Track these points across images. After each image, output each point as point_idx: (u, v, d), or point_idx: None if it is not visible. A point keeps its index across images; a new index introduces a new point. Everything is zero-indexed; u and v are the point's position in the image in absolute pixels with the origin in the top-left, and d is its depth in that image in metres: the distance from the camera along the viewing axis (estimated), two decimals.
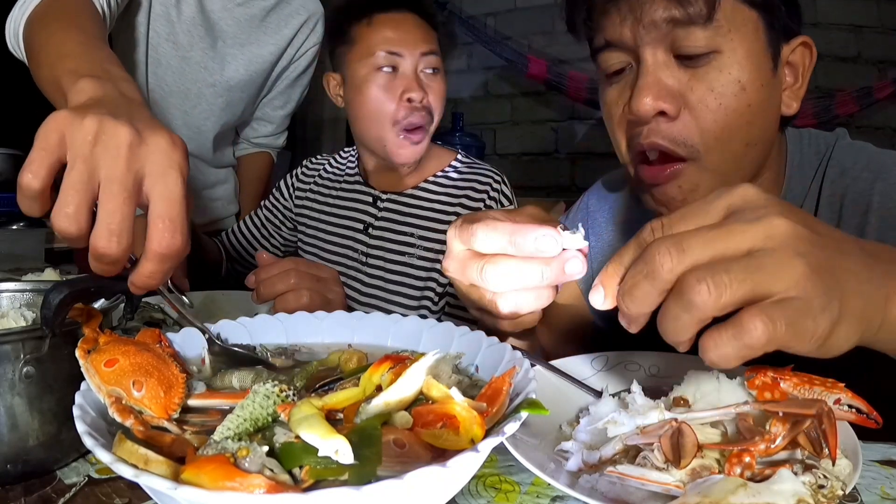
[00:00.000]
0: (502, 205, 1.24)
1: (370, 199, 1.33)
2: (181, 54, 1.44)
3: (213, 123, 1.54)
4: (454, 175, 1.30)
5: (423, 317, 0.62)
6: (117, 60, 0.73)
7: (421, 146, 1.23)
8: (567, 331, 0.95)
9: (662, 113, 0.69)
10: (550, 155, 3.39)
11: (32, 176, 0.49)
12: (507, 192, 1.26)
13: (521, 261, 0.54)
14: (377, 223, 1.31)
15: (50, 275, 1.07)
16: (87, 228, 0.49)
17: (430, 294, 1.24)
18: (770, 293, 0.40)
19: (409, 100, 1.20)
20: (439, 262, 1.23)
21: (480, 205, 1.23)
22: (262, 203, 1.50)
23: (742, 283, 0.39)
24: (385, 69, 1.22)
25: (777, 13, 0.70)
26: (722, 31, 0.67)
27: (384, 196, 1.31)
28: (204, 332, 0.57)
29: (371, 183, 1.34)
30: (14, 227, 2.29)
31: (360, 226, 1.33)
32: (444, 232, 1.20)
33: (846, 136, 0.82)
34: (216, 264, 1.38)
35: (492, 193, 1.24)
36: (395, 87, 1.21)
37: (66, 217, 0.48)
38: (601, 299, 0.47)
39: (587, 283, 0.96)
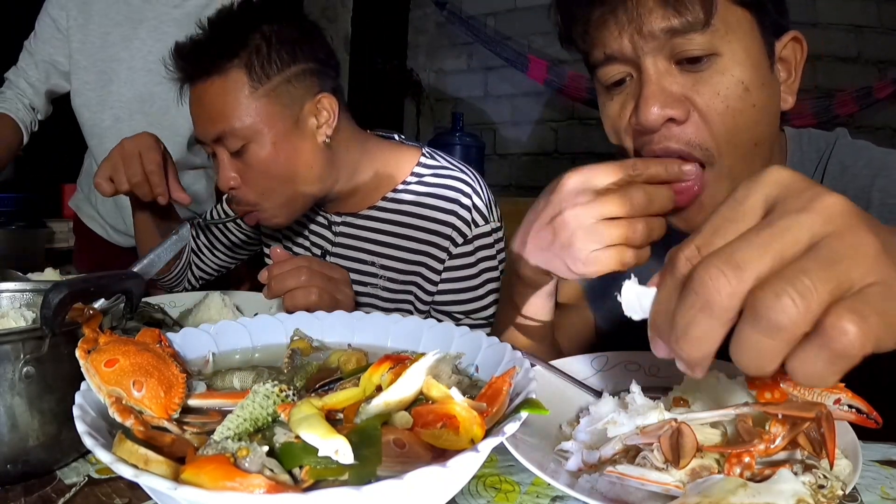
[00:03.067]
0: (476, 225, 1.07)
1: (325, 223, 1.18)
2: (127, 65, 1.54)
3: (174, 117, 1.55)
4: (417, 188, 1.10)
5: None
6: None
7: (264, 222, 1.08)
8: (571, 333, 0.95)
9: (671, 119, 0.70)
10: (550, 155, 3.39)
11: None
12: (482, 204, 1.08)
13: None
14: (334, 249, 1.17)
15: (50, 275, 1.07)
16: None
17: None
18: (851, 284, 0.33)
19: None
20: (409, 292, 1.11)
21: (449, 230, 1.06)
22: (224, 197, 1.34)
23: (826, 281, 0.33)
24: (209, 156, 1.06)
25: (766, 11, 0.71)
26: (719, 34, 0.68)
27: (339, 219, 1.16)
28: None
29: (325, 204, 1.16)
30: (14, 227, 2.29)
31: (318, 251, 1.19)
32: (408, 261, 1.09)
33: (846, 136, 0.83)
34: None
35: (461, 213, 1.06)
36: (216, 176, 1.04)
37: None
38: (663, 352, 0.40)
39: (589, 285, 0.96)
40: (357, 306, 1.14)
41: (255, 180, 1.01)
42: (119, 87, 1.56)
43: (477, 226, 1.08)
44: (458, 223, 1.07)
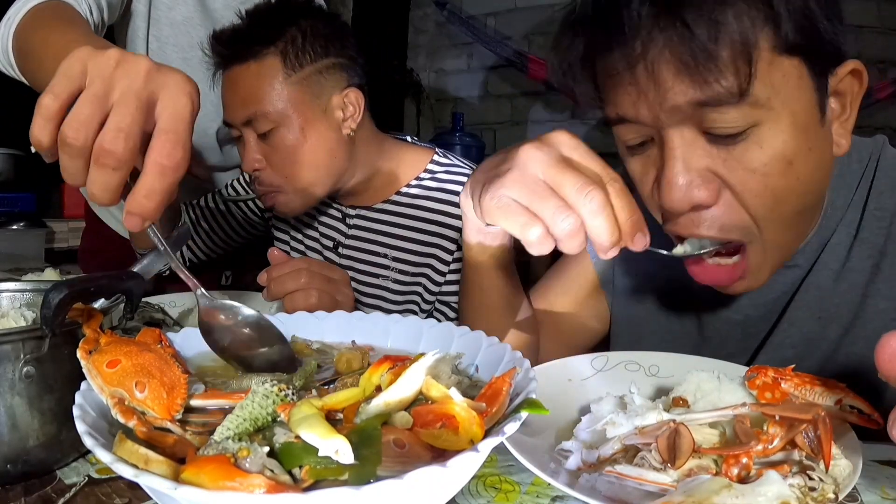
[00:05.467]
0: None
1: (339, 215, 1.22)
2: (182, 55, 1.43)
3: (218, 124, 1.53)
4: (430, 183, 1.15)
5: None
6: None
7: (280, 207, 1.11)
8: (569, 339, 0.95)
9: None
10: None
11: (53, 97, 0.50)
12: None
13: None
14: (347, 241, 1.20)
15: (50, 275, 1.07)
16: (91, 146, 0.49)
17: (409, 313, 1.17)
18: None
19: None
20: (418, 283, 1.15)
21: (459, 222, 1.08)
22: (229, 182, 1.39)
23: None
24: (233, 137, 1.12)
25: (823, 47, 0.58)
26: (760, 102, 0.56)
27: (353, 212, 1.19)
28: (195, 286, 0.57)
29: (338, 197, 1.20)
30: (14, 227, 2.29)
31: (330, 243, 1.23)
32: (419, 254, 1.13)
33: (887, 143, 0.75)
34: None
35: None
36: (241, 157, 1.10)
37: (77, 124, 0.49)
38: None
39: (603, 270, 0.92)
40: (367, 298, 1.18)
41: (280, 163, 1.05)
42: None
43: None
44: None
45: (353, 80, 1.09)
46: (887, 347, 0.39)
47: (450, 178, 1.15)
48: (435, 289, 1.14)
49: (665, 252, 0.61)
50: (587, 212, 0.52)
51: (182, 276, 0.56)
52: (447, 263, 1.13)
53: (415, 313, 1.17)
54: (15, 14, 0.92)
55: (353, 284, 1.18)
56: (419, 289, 1.15)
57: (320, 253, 1.25)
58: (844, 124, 0.64)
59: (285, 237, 1.32)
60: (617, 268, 0.91)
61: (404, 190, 1.16)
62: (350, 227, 1.20)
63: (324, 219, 1.25)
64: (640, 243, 0.54)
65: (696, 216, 0.62)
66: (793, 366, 0.57)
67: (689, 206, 0.60)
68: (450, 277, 1.13)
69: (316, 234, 1.26)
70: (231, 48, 1.05)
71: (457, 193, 1.11)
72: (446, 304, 1.15)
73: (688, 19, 0.54)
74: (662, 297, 0.87)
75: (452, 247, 1.12)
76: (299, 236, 1.29)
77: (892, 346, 0.39)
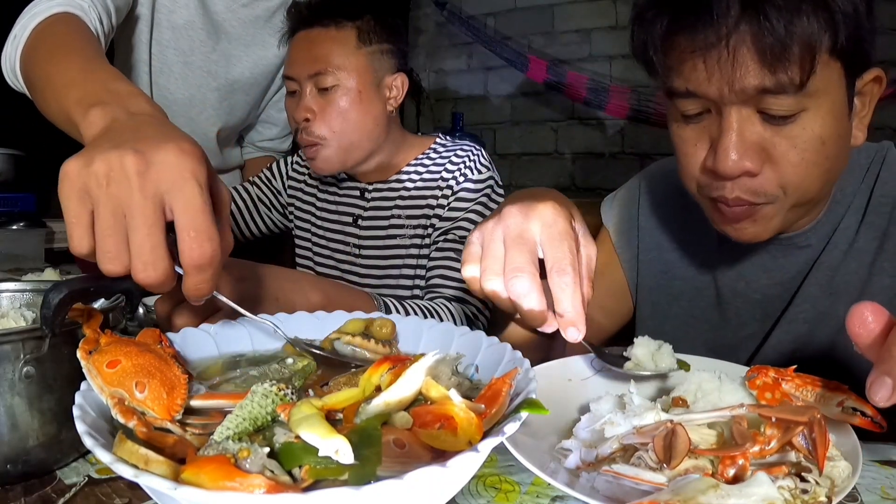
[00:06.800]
0: (479, 171, 1.27)
1: (357, 193, 1.37)
2: (183, 59, 1.43)
3: (219, 128, 1.53)
4: (433, 155, 1.33)
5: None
6: (121, 75, 0.73)
7: (319, 161, 1.25)
8: (607, 303, 0.97)
9: (746, 171, 0.69)
10: (550, 155, 3.39)
11: (78, 245, 0.53)
12: (485, 161, 1.30)
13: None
14: (366, 214, 1.35)
15: (50, 275, 1.07)
16: (129, 264, 0.52)
17: (422, 272, 1.28)
18: None
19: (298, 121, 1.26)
20: (427, 235, 1.27)
21: (456, 172, 1.27)
22: (251, 179, 1.49)
23: None
24: (289, 92, 1.28)
25: (861, 56, 0.69)
26: (810, 93, 0.66)
27: (371, 187, 1.35)
28: (275, 328, 0.59)
29: (357, 176, 1.37)
30: (14, 227, 2.29)
31: (349, 218, 1.36)
32: (428, 207, 1.27)
33: (892, 147, 0.84)
34: None
35: (468, 163, 1.28)
36: (292, 109, 1.27)
37: (110, 261, 0.52)
38: (888, 394, 0.42)
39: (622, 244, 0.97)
40: (386, 260, 1.32)
41: (332, 116, 1.23)
42: (169, 81, 1.43)
43: (479, 172, 1.28)
44: (464, 168, 1.28)
45: (402, 67, 1.30)
46: (856, 316, 0.43)
47: (454, 145, 1.33)
48: (433, 234, 1.26)
49: (615, 368, 0.66)
50: (513, 293, 0.59)
51: (257, 319, 0.60)
52: (443, 208, 1.26)
53: (423, 268, 1.27)
54: (21, 33, 0.92)
55: (374, 251, 1.33)
56: (427, 240, 1.27)
57: (340, 231, 1.37)
58: (863, 120, 0.75)
59: (306, 224, 1.42)
60: (641, 255, 0.97)
61: (413, 162, 1.33)
62: (369, 200, 1.34)
63: (343, 198, 1.38)
64: (572, 336, 0.60)
65: (741, 182, 0.70)
66: (794, 366, 0.57)
67: (740, 173, 0.69)
68: (445, 218, 1.26)
69: (335, 216, 1.38)
70: (317, 14, 1.25)
71: (454, 154, 1.28)
72: (436, 248, 1.27)
73: (770, 15, 0.63)
74: (684, 281, 0.94)
75: (448, 192, 1.26)
76: (319, 222, 1.40)
77: (862, 313, 0.43)
